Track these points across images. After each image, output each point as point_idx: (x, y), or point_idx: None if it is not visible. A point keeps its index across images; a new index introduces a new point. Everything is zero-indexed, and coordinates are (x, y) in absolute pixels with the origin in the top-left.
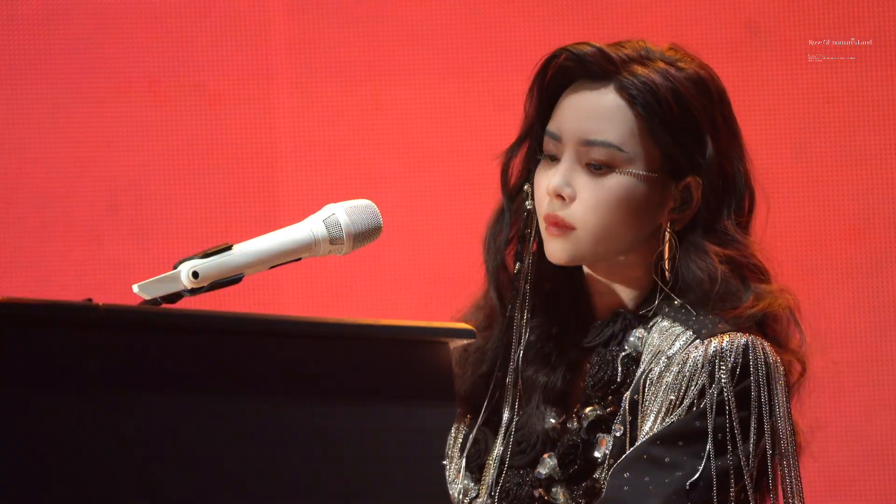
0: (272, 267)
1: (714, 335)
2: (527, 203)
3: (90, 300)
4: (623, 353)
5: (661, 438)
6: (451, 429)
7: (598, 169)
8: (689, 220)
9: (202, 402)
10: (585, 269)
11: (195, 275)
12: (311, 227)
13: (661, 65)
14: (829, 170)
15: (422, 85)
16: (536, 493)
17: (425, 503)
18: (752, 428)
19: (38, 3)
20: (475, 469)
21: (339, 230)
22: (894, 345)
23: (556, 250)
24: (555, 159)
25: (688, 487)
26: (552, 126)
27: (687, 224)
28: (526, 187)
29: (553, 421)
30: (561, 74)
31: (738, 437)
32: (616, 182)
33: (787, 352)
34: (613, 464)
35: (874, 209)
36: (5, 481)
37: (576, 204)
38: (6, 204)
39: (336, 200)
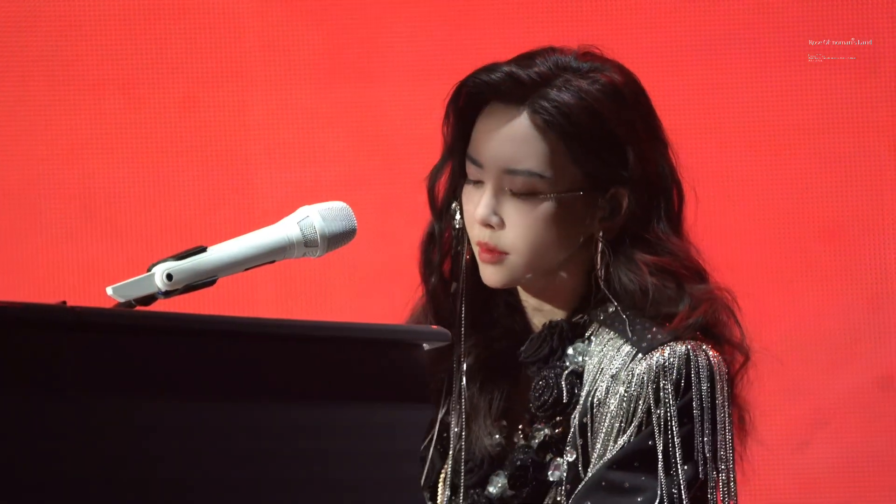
0: (246, 269)
1: (654, 348)
2: (455, 222)
3: (64, 302)
4: (566, 371)
5: (617, 463)
6: (425, 429)
7: (523, 195)
8: (619, 227)
9: (177, 403)
10: (519, 285)
11: (169, 277)
12: (285, 229)
13: (574, 80)
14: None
15: (397, 86)
16: None
17: (399, 501)
18: (703, 438)
19: (9, 6)
20: (427, 490)
21: (313, 232)
22: (866, 345)
23: (491, 276)
24: (479, 182)
25: None
26: (472, 151)
27: (618, 232)
28: (454, 205)
29: (498, 437)
30: (474, 99)
31: (691, 450)
32: (542, 206)
33: (730, 346)
34: (571, 489)
35: (848, 210)
36: None
37: (506, 231)
38: None
39: (311, 202)
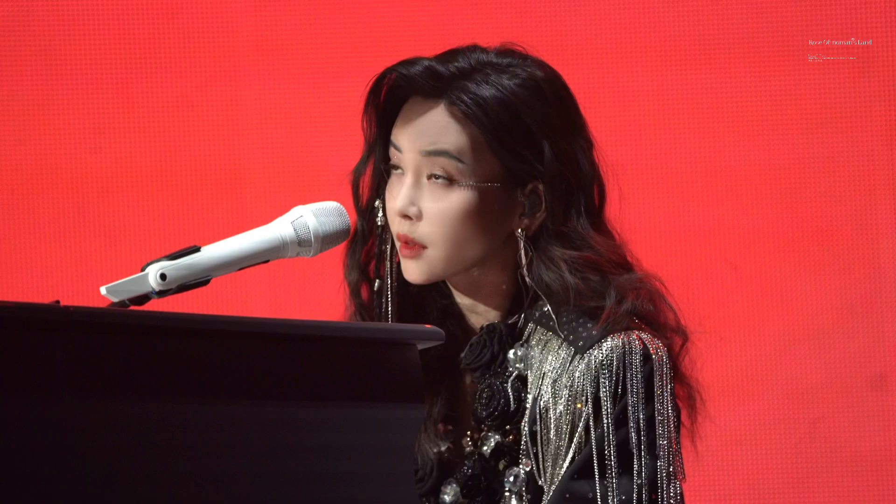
0: (240, 269)
1: (591, 346)
2: (378, 219)
3: (58, 302)
4: (511, 378)
5: (577, 472)
6: (419, 427)
7: (440, 180)
8: (540, 223)
9: (170, 403)
10: (449, 285)
11: (163, 277)
12: (278, 229)
13: (493, 75)
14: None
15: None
16: None
17: (392, 495)
18: (656, 429)
19: (2, 5)
20: None
21: (307, 232)
22: (859, 344)
23: (411, 270)
24: (399, 169)
25: None
26: (394, 137)
27: (538, 228)
28: (377, 203)
29: (444, 445)
30: (394, 92)
31: (644, 444)
32: (459, 196)
33: (668, 330)
34: (533, 499)
35: (842, 209)
36: None
37: (423, 222)
38: None
39: (304, 202)
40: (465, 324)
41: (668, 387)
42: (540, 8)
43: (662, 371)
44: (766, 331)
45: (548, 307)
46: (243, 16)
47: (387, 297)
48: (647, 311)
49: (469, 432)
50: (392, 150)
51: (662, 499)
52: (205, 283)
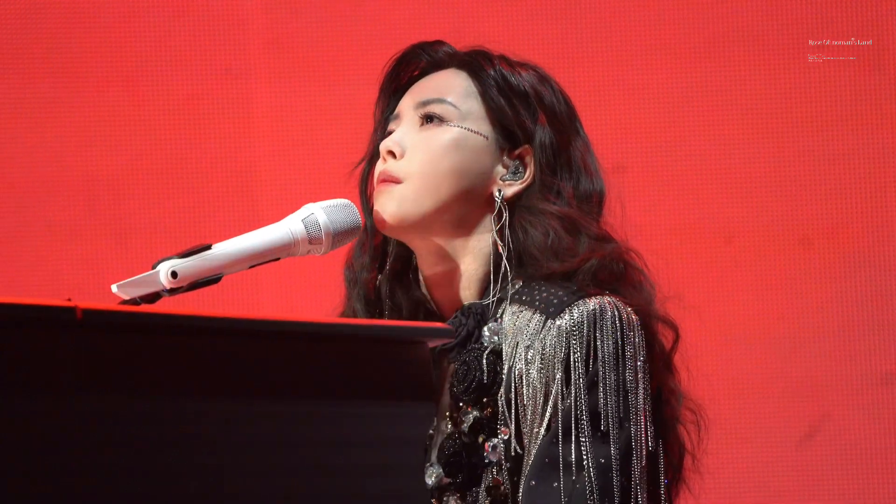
0: (251, 266)
1: (562, 310)
2: None
3: (69, 300)
4: (485, 352)
5: (554, 437)
6: (430, 426)
7: (432, 121)
8: (518, 192)
9: (182, 403)
10: (422, 269)
11: (174, 275)
12: (289, 226)
13: (508, 63)
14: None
15: None
16: None
17: (404, 498)
18: (631, 390)
19: (13, 3)
20: None
21: (317, 229)
22: (869, 341)
23: (382, 206)
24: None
25: (603, 475)
26: (394, 109)
27: (517, 197)
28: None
29: None
30: (412, 68)
31: (618, 408)
32: (447, 132)
33: (638, 293)
34: (512, 467)
35: (851, 207)
36: None
37: (405, 158)
38: None
39: (315, 200)
40: (439, 308)
41: (641, 352)
42: (540, 8)
43: (634, 335)
44: (776, 328)
45: (519, 283)
46: (254, 13)
47: (386, 293)
48: (616, 269)
49: (448, 412)
50: (390, 122)
51: (636, 464)
52: (216, 280)
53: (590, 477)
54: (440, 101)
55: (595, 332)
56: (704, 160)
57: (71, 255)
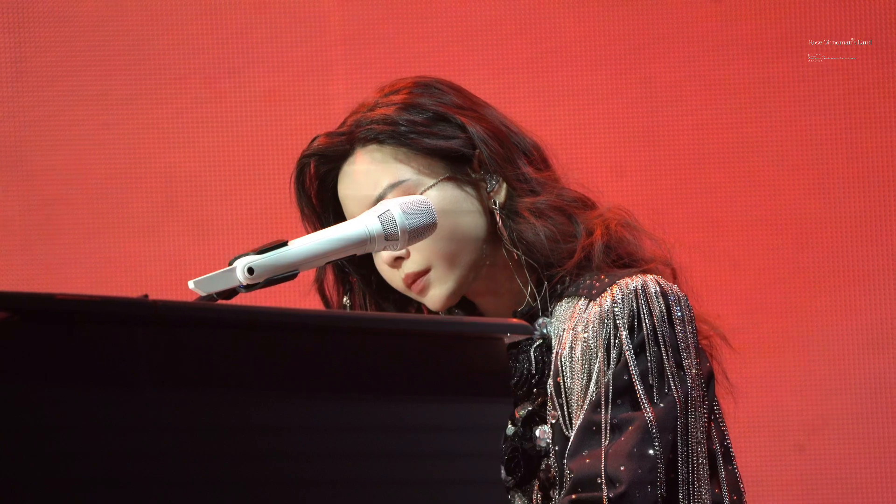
0: (327, 263)
1: (604, 290)
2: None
3: (146, 296)
4: (534, 345)
5: (599, 404)
6: (507, 424)
7: None
8: (504, 188)
9: (256, 398)
10: (470, 298)
11: (250, 271)
12: (365, 223)
13: (380, 101)
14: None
15: (478, 81)
16: None
17: (483, 499)
18: (676, 359)
19: (93, 1)
20: None
21: (393, 226)
22: (870, 345)
23: (433, 299)
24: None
25: (647, 435)
26: (348, 216)
27: (506, 194)
28: (346, 300)
29: None
30: (321, 179)
31: (669, 373)
32: None
33: (650, 262)
34: (560, 450)
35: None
36: (58, 476)
37: (412, 254)
38: (63, 199)
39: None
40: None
41: (690, 320)
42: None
43: (681, 304)
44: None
45: (567, 279)
46: (333, 9)
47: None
48: (623, 238)
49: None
50: None
51: (689, 423)
52: (292, 277)
53: (644, 431)
54: (388, 188)
55: (640, 303)
56: (782, 155)
57: (149, 251)
